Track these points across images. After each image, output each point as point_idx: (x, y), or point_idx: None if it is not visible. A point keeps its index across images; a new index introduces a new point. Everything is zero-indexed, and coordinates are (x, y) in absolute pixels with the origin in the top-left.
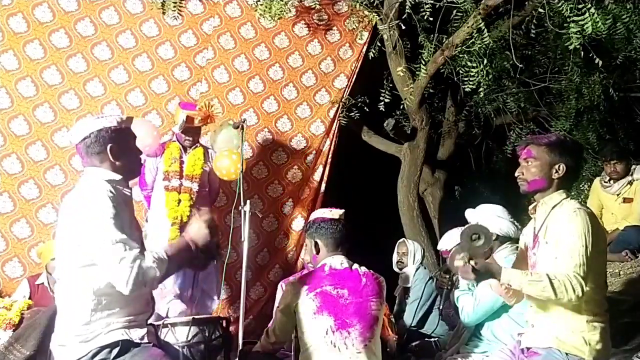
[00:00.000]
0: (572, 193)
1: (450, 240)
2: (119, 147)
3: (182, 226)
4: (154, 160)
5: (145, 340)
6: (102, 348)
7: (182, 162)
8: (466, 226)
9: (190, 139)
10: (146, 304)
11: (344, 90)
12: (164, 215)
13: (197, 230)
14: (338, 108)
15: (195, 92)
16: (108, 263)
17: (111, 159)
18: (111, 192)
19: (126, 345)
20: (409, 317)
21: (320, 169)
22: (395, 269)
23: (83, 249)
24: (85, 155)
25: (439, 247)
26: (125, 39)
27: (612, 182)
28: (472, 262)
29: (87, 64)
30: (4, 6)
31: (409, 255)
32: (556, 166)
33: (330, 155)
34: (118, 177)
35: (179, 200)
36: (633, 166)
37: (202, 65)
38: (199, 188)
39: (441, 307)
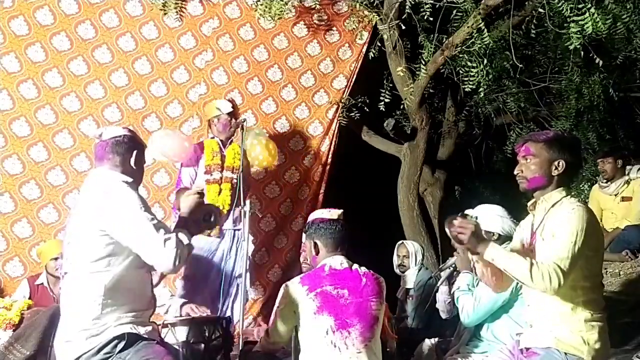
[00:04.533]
0: (572, 193)
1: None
2: (140, 157)
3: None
4: (194, 160)
5: (150, 336)
6: (109, 341)
7: (222, 156)
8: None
9: (233, 122)
10: (149, 301)
11: (343, 91)
12: None
13: (191, 200)
14: (338, 109)
15: (194, 94)
16: (152, 247)
17: (132, 163)
18: (132, 188)
19: (132, 339)
20: (412, 319)
21: (320, 169)
22: (397, 271)
23: (110, 239)
24: (108, 153)
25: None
26: (125, 42)
27: (608, 182)
28: (472, 228)
29: (88, 66)
30: (5, 9)
31: (411, 257)
32: (555, 163)
33: (330, 156)
34: (131, 179)
35: (220, 190)
36: (628, 167)
37: (201, 68)
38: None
39: (438, 285)
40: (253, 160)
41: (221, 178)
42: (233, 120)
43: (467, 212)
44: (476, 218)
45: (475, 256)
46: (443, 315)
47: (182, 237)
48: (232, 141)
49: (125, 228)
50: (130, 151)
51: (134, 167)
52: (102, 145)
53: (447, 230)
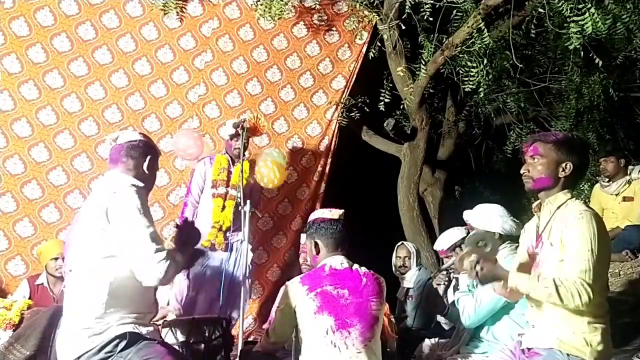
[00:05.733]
0: (573, 193)
1: (447, 240)
2: (153, 162)
3: (222, 230)
4: (202, 172)
5: (152, 337)
6: (111, 340)
7: (229, 173)
8: (471, 233)
9: (238, 147)
10: (151, 305)
11: (342, 91)
12: (209, 221)
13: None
14: (337, 109)
15: (194, 95)
16: (140, 255)
17: (144, 167)
18: (139, 193)
19: (133, 339)
20: (412, 319)
21: (319, 169)
22: (396, 273)
23: (112, 239)
24: (122, 156)
25: (435, 247)
26: (125, 43)
27: (610, 182)
28: (478, 267)
29: (88, 67)
30: (6, 9)
31: (413, 258)
32: (563, 165)
33: (330, 156)
34: (141, 184)
35: (224, 207)
36: (630, 167)
37: (201, 68)
38: (242, 196)
39: (446, 311)
40: (257, 175)
41: (226, 194)
42: (237, 142)
43: (464, 214)
44: (473, 258)
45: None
46: (446, 327)
47: (176, 254)
48: (243, 159)
49: (122, 231)
50: (144, 156)
51: (147, 172)
52: (117, 148)
53: (458, 267)
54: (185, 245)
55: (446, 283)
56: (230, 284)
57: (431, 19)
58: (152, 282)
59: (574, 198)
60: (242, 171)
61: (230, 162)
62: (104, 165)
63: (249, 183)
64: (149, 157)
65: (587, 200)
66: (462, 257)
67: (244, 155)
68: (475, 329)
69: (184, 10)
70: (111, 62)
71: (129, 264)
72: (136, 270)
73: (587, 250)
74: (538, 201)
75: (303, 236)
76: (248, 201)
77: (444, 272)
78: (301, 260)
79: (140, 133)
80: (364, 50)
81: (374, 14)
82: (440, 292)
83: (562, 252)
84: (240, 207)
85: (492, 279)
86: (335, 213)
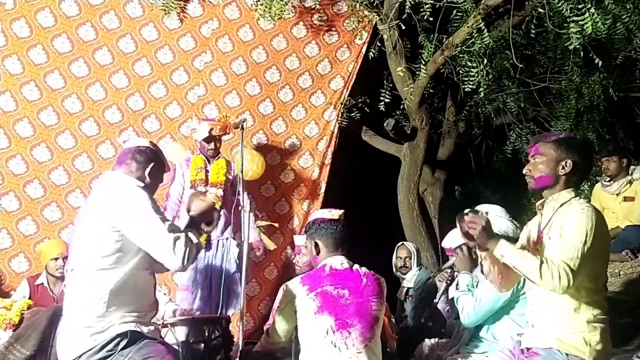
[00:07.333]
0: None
1: (455, 238)
2: (156, 170)
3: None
4: (180, 174)
5: (152, 336)
6: (112, 339)
7: (207, 172)
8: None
9: (213, 148)
10: (152, 304)
11: (341, 92)
12: None
13: (204, 204)
14: (337, 110)
15: (193, 95)
16: (162, 246)
17: (146, 174)
18: (144, 190)
19: (134, 337)
20: (412, 318)
21: (317, 169)
22: (397, 274)
23: (119, 236)
24: (128, 158)
25: (444, 244)
26: (125, 44)
27: (612, 182)
28: (484, 222)
29: (89, 68)
30: (7, 11)
31: (413, 258)
32: (563, 162)
33: (330, 156)
34: (142, 184)
35: None
36: (632, 167)
37: (200, 69)
38: (223, 193)
39: (437, 301)
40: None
41: (206, 192)
42: (206, 144)
43: (477, 207)
44: (487, 213)
45: (484, 253)
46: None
47: (192, 236)
48: (219, 157)
49: (137, 227)
50: (148, 162)
51: (148, 178)
52: (125, 151)
53: (457, 225)
54: (198, 222)
55: (449, 282)
56: (221, 281)
57: (431, 19)
58: (179, 269)
59: (578, 197)
60: (242, 171)
61: (207, 161)
62: (105, 165)
63: (227, 179)
64: (152, 165)
65: (587, 200)
66: (473, 212)
67: (241, 153)
68: (475, 329)
69: (184, 10)
70: (111, 63)
71: (153, 256)
72: (160, 260)
73: (580, 241)
74: (542, 200)
75: (296, 237)
76: (248, 201)
77: (448, 271)
78: (295, 260)
79: (150, 142)
80: (363, 50)
81: (374, 14)
82: (441, 290)
83: (557, 241)
84: (240, 207)
85: (489, 236)
86: (335, 213)
